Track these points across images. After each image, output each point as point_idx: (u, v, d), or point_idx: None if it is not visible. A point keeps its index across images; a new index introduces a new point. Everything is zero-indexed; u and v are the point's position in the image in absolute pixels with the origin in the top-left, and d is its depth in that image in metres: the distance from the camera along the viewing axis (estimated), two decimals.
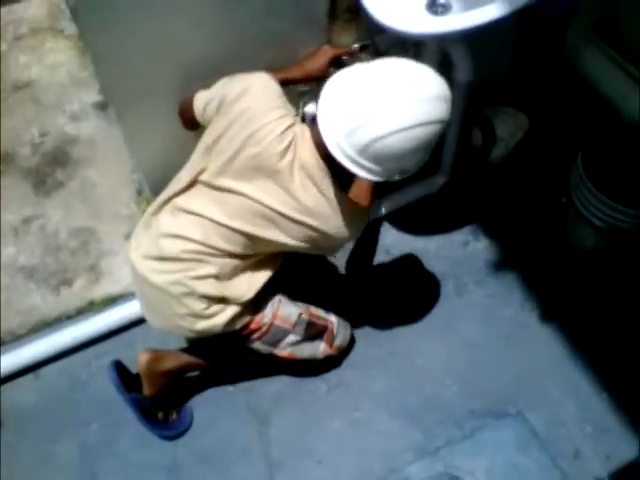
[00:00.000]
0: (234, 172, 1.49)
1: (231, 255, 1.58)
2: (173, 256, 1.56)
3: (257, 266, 1.65)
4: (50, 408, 2.00)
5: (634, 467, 1.73)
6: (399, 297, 2.11)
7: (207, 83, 1.59)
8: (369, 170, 1.37)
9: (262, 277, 1.66)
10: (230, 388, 1.98)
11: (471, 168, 2.24)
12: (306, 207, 1.48)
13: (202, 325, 1.61)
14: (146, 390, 1.84)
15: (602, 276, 2.04)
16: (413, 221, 2.26)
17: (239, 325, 1.67)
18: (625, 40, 2.06)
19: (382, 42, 1.78)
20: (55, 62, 2.82)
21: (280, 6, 1.68)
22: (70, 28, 2.80)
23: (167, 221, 1.59)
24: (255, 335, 1.72)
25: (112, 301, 2.17)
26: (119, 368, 1.82)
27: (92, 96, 2.68)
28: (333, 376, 1.96)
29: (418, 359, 1.98)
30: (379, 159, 1.34)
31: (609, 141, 1.87)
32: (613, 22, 2.08)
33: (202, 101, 1.59)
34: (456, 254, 2.18)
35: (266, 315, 1.71)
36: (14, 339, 2.13)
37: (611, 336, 1.95)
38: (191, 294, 1.56)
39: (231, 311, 1.62)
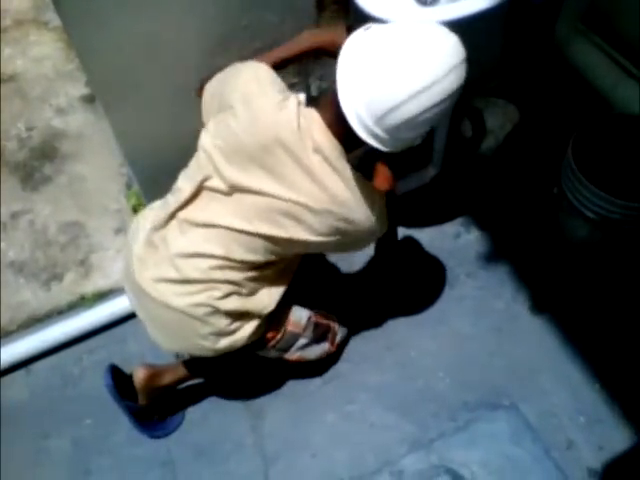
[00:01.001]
0: (244, 169, 1.39)
1: (253, 266, 1.50)
2: (195, 277, 1.48)
3: (275, 277, 1.59)
4: (43, 404, 2.00)
5: (627, 457, 1.74)
6: (392, 290, 2.11)
7: (195, 75, 1.58)
8: (384, 142, 1.30)
9: (281, 287, 1.61)
10: (224, 382, 1.97)
11: (462, 160, 2.24)
12: (329, 195, 1.38)
13: (225, 342, 1.56)
14: (141, 400, 1.83)
15: (594, 267, 2.05)
16: (404, 214, 2.25)
17: (258, 336, 1.63)
18: (613, 29, 2.05)
19: None
20: (40, 55, 2.81)
21: None
22: (55, 20, 2.78)
23: (177, 239, 1.49)
24: (271, 343, 1.69)
25: (103, 296, 2.17)
26: (114, 373, 1.79)
27: (79, 89, 2.66)
28: (327, 370, 1.96)
29: (411, 352, 1.98)
30: (402, 133, 1.29)
31: (599, 131, 1.87)
32: (601, 11, 2.07)
33: (207, 94, 1.53)
34: (448, 246, 2.18)
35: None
36: (5, 335, 2.13)
37: (603, 327, 1.96)
38: (216, 312, 1.51)
39: (253, 324, 1.57)
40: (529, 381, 1.89)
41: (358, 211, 1.41)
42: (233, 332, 1.55)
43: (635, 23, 1.94)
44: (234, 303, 1.51)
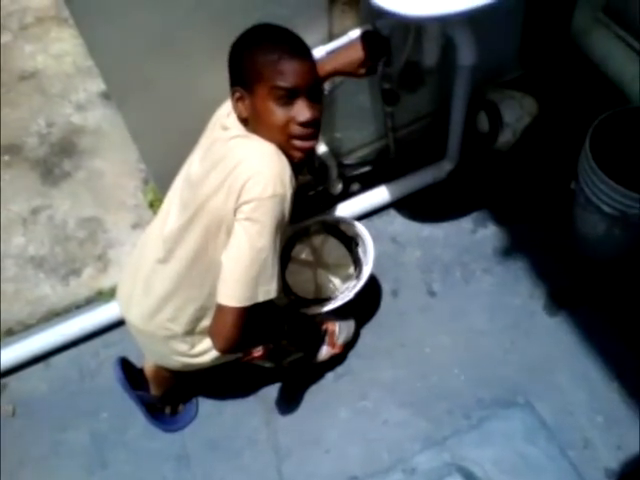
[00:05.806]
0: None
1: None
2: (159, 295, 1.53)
3: None
4: (61, 397, 2.02)
5: None
6: (405, 286, 2.09)
7: (207, 70, 1.58)
8: None
9: None
10: (237, 376, 1.98)
11: (478, 154, 2.21)
12: None
13: (192, 362, 1.60)
14: (154, 390, 1.85)
15: (611, 263, 2.00)
16: (420, 209, 2.24)
17: (230, 359, 1.64)
18: (635, 19, 1.99)
19: (384, 26, 1.74)
20: (60, 51, 2.84)
21: None
22: None
23: None
24: (253, 359, 1.69)
25: None
26: (124, 365, 1.81)
27: (98, 85, 2.68)
28: (340, 365, 1.96)
29: (425, 348, 1.96)
30: None
31: (618, 125, 1.82)
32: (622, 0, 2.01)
33: None
34: (463, 242, 2.15)
35: None
36: (24, 329, 2.16)
37: (621, 324, 1.91)
38: (174, 337, 1.55)
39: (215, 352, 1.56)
40: (545, 379, 1.85)
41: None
42: (196, 356, 1.58)
43: None
44: (189, 326, 1.53)
